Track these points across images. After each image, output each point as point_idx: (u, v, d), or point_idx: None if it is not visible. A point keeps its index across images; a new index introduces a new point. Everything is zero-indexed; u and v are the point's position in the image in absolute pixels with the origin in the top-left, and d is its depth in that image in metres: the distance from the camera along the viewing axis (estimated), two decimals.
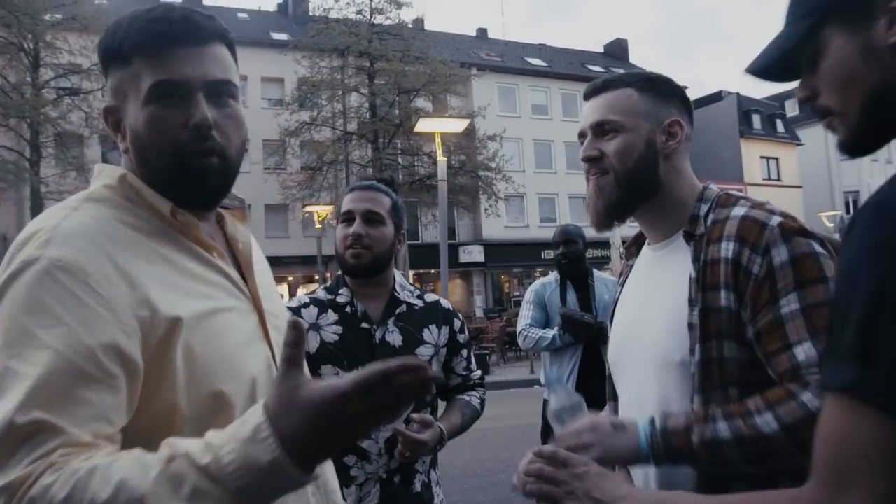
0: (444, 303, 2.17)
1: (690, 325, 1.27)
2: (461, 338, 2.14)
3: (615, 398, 1.53)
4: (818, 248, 1.22)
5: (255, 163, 29.07)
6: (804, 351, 1.16)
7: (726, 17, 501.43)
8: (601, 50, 44.35)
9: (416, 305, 2.07)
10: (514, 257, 32.01)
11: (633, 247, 1.58)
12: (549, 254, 27.79)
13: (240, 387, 1.01)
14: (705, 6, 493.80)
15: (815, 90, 0.90)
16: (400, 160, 28.24)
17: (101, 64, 1.08)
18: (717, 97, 42.28)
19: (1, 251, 1.02)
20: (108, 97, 1.07)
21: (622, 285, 1.58)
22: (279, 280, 29.41)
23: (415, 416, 1.87)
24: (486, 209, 28.47)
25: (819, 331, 1.15)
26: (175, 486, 0.74)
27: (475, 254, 32.16)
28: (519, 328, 4.26)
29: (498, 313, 27.07)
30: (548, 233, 4.98)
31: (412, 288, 2.13)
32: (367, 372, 0.75)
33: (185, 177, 1.05)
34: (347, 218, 2.00)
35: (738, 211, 1.31)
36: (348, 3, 27.20)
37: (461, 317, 2.21)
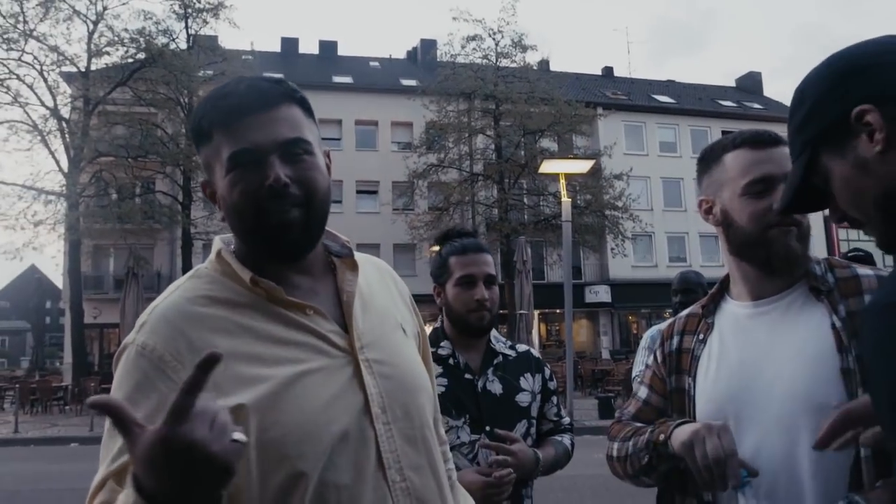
0: (534, 352, 2.28)
1: (846, 371, 1.31)
2: (551, 385, 2.23)
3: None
4: None
5: (385, 204, 30.10)
6: None
7: None
8: (733, 84, 42.85)
9: (510, 356, 2.16)
10: (642, 297, 31.06)
11: (711, 304, 1.59)
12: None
13: (317, 450, 1.03)
14: (846, 33, 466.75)
15: (841, 209, 1.02)
16: (525, 200, 28.32)
17: (194, 142, 1.18)
18: None
19: (157, 287, 1.13)
20: (203, 172, 1.18)
21: (703, 342, 1.55)
22: None
23: (500, 431, 1.96)
24: (612, 248, 27.93)
25: None
26: None
27: (601, 294, 31.51)
28: (634, 374, 4.18)
29: (625, 355, 26.27)
30: (677, 273, 4.83)
31: (504, 339, 2.22)
32: (171, 401, 0.78)
33: (267, 232, 1.10)
34: (469, 281, 2.07)
35: (865, 271, 1.42)
36: (475, 49, 27.89)
37: (549, 366, 2.30)
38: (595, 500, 7.19)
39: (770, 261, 1.43)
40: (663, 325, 4.61)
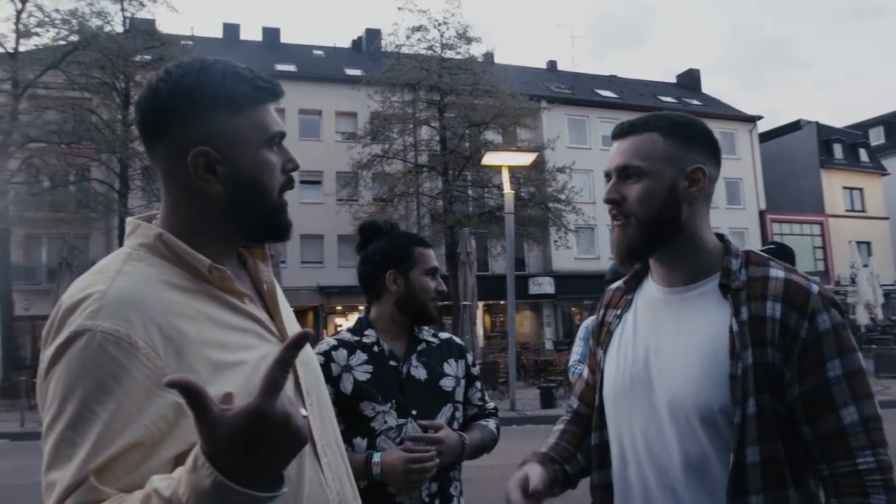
0: (457, 339, 2.36)
1: (733, 377, 1.30)
2: (474, 370, 2.32)
3: (603, 426, 1.55)
4: (843, 319, 1.34)
5: (329, 194, 29.79)
6: (850, 414, 1.28)
7: (800, 45, 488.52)
8: (673, 80, 43.84)
9: (433, 342, 2.24)
10: (585, 289, 31.54)
11: (633, 281, 1.59)
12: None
13: None
14: (776, 34, 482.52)
15: None
16: (470, 192, 28.42)
17: (198, 106, 1.10)
18: (795, 126, 41.01)
19: None
20: (197, 139, 1.10)
21: (619, 318, 1.57)
22: (351, 309, 29.86)
23: (423, 422, 2.02)
24: (555, 241, 28.29)
25: (859, 396, 1.28)
26: None
27: (545, 285, 31.91)
28: (569, 363, 4.30)
29: (567, 346, 26.65)
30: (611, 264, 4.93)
31: (427, 328, 2.29)
32: (263, 376, 0.81)
33: (281, 213, 1.19)
34: (434, 272, 2.21)
35: (777, 273, 1.38)
36: (419, 40, 27.78)
37: (472, 351, 2.31)
38: None
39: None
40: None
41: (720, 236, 1.49)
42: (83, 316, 0.98)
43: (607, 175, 1.48)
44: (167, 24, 48.24)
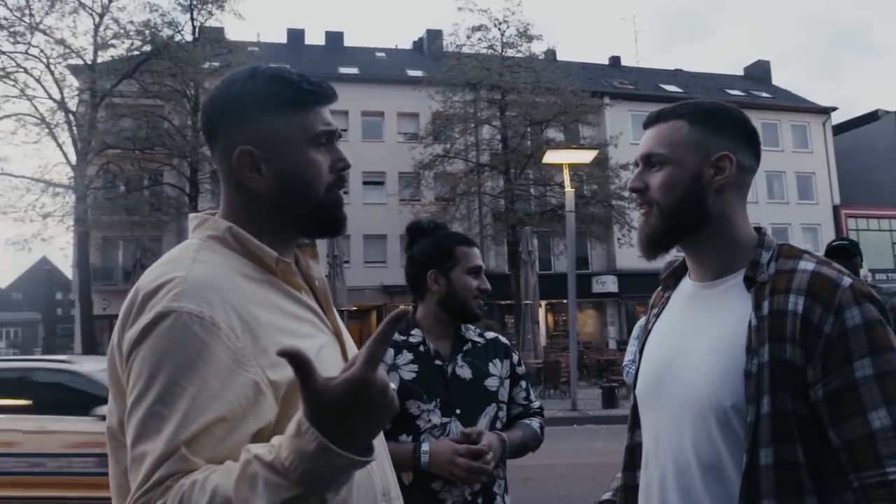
0: (503, 339, 2.37)
1: (748, 374, 1.24)
2: (520, 370, 2.32)
3: (636, 427, 1.52)
4: (881, 316, 1.23)
5: (392, 195, 30.09)
6: (879, 418, 1.17)
7: (879, 31, 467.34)
8: (741, 73, 42.62)
9: (479, 342, 2.25)
10: (649, 287, 30.56)
11: (672, 279, 1.56)
12: None
13: None
14: (853, 20, 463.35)
15: None
16: (532, 190, 28.28)
17: (244, 109, 1.18)
18: (872, 117, 39.26)
19: None
20: (243, 140, 1.18)
21: (657, 316, 1.54)
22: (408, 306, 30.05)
23: (466, 429, 2.01)
24: (619, 239, 27.88)
25: (892, 399, 1.17)
26: (252, 484, 0.87)
27: (608, 284, 31.47)
28: (624, 363, 4.23)
29: None
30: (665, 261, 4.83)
31: (473, 328, 2.31)
32: (365, 349, 0.87)
33: (331, 209, 1.23)
34: (477, 271, 2.21)
35: (806, 265, 1.29)
36: (480, 39, 27.79)
37: (518, 351, 2.39)
38: (593, 487, 7.20)
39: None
40: None
41: (758, 229, 1.42)
42: (167, 298, 1.02)
43: (635, 164, 1.46)
44: (234, 32, 49.61)
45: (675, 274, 1.55)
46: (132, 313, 1.05)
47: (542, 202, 27.99)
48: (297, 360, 0.83)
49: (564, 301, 28.32)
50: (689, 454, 1.31)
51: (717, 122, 1.39)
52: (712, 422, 1.28)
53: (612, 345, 29.34)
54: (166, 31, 23.59)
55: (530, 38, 27.89)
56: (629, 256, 30.99)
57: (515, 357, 2.33)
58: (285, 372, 0.99)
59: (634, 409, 1.54)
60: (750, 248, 1.37)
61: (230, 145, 1.18)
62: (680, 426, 1.34)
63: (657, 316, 1.55)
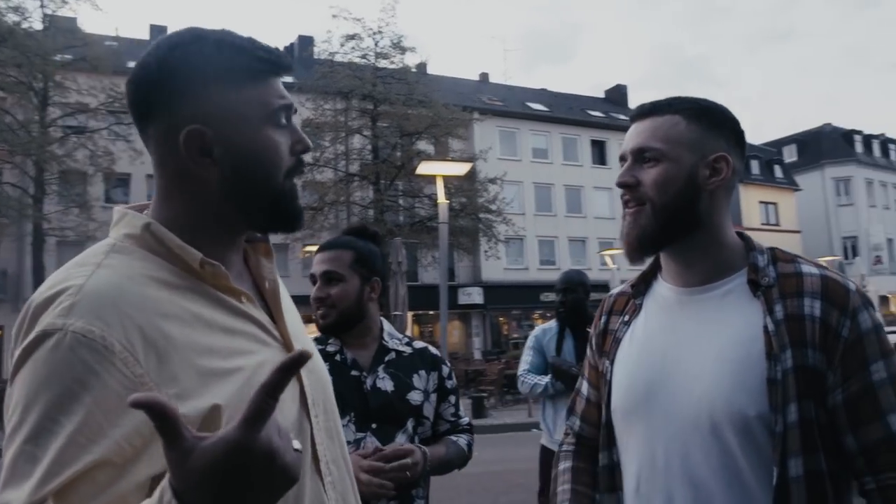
0: (432, 349, 2.22)
1: (772, 381, 1.19)
2: (449, 384, 2.18)
3: (612, 445, 1.41)
4: None
5: None
6: None
7: (718, 65, 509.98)
8: (602, 95, 44.98)
9: (404, 352, 2.12)
10: (514, 299, 31.96)
11: (641, 284, 1.46)
12: (548, 296, 27.81)
13: None
14: (695, 53, 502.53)
15: None
16: (401, 202, 28.37)
17: (190, 82, 0.98)
18: None
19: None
20: (190, 118, 0.98)
21: (627, 324, 1.44)
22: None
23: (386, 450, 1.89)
24: (485, 251, 28.50)
25: None
26: None
27: (474, 295, 32.10)
28: (518, 372, 4.35)
29: (496, 355, 26.91)
30: (547, 275, 5.03)
31: (400, 336, 2.17)
32: (248, 404, 0.71)
33: (289, 199, 1.06)
34: (313, 281, 2.09)
35: (810, 269, 1.29)
36: (353, 48, 27.63)
37: (448, 364, 2.24)
38: (470, 498, 7.31)
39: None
40: (548, 325, 4.78)
41: (740, 234, 1.38)
42: (54, 313, 0.85)
43: (622, 158, 1.37)
44: (90, 24, 46.62)
45: (645, 278, 1.46)
46: (23, 328, 0.88)
47: (410, 213, 28.15)
48: (154, 411, 0.67)
49: (431, 312, 28.64)
50: (703, 470, 1.23)
51: (713, 121, 1.33)
52: (729, 433, 1.21)
53: (478, 355, 29.92)
54: (11, 17, 21.74)
55: (403, 50, 28.06)
56: (495, 269, 31.80)
57: (446, 370, 2.18)
58: (200, 402, 0.87)
59: (608, 425, 1.42)
60: (738, 252, 1.33)
61: (174, 124, 0.97)
62: (684, 441, 1.26)
63: (627, 324, 1.44)
